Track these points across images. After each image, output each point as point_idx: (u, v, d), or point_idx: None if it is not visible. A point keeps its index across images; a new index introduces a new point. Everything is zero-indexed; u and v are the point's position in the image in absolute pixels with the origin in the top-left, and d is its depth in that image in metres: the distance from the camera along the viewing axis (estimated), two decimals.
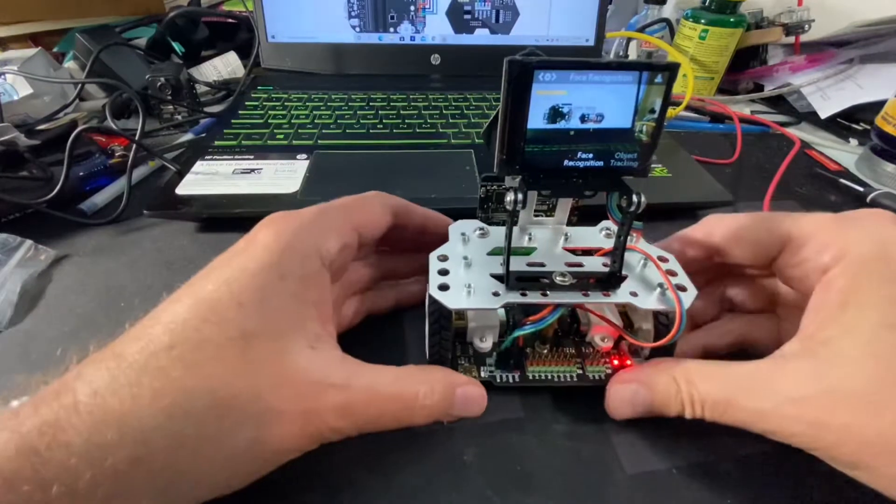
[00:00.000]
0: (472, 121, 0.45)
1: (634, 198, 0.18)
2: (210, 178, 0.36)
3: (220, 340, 0.16)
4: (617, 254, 0.20)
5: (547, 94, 0.17)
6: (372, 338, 0.25)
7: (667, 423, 0.22)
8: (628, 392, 0.20)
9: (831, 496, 0.19)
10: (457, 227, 0.23)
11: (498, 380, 0.22)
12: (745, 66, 0.60)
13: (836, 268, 0.18)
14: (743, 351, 0.24)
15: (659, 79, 0.17)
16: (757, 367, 0.18)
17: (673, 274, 0.21)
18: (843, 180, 0.41)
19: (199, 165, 0.37)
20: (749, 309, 0.25)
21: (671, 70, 0.17)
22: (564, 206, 0.23)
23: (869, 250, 0.18)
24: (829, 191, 0.41)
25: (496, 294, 0.19)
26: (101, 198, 0.36)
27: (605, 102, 0.17)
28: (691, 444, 0.21)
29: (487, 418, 0.22)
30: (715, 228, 0.23)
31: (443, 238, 0.23)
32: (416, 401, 0.18)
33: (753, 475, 0.20)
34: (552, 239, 0.23)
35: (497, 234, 0.23)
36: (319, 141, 0.41)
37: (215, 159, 0.38)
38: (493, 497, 0.19)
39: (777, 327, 0.23)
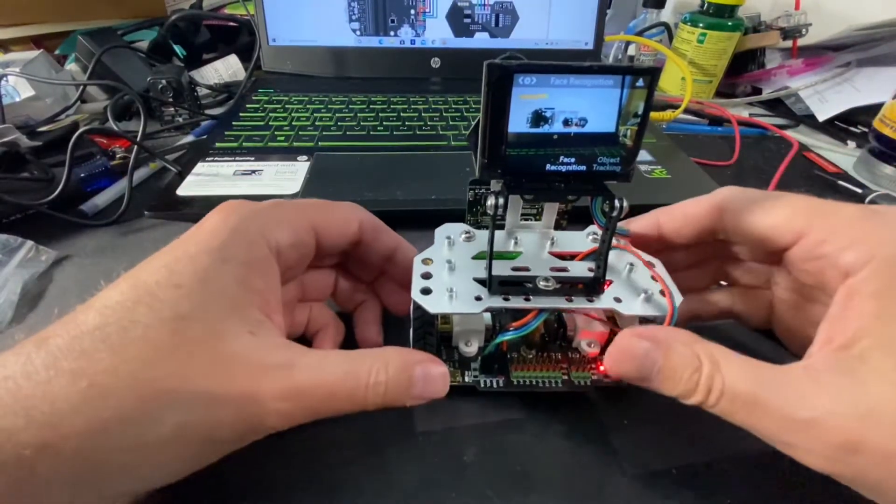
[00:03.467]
0: (472, 123, 0.45)
1: (617, 202, 0.18)
2: (211, 180, 0.36)
3: (151, 321, 0.15)
4: (601, 258, 0.20)
5: (529, 98, 0.17)
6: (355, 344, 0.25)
7: (666, 423, 0.22)
8: (639, 349, 0.17)
9: (831, 496, 0.19)
10: (442, 231, 0.23)
11: (482, 384, 0.22)
12: (743, 69, 0.61)
13: (863, 270, 0.17)
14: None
15: (640, 83, 0.17)
16: (791, 373, 0.16)
17: (659, 279, 0.21)
18: (841, 182, 0.41)
19: (200, 167, 0.37)
20: (743, 284, 0.24)
21: (653, 74, 0.17)
22: (551, 210, 0.23)
23: None
24: (827, 193, 0.41)
25: (479, 299, 0.19)
26: (102, 199, 0.36)
27: (589, 107, 0.17)
28: (691, 444, 0.21)
29: (487, 418, 0.22)
30: (723, 203, 0.21)
31: (408, 275, 0.23)
32: (367, 378, 0.17)
33: (753, 475, 0.20)
34: (538, 243, 0.23)
35: (483, 237, 0.23)
36: (320, 143, 0.41)
37: (216, 161, 0.38)
38: (493, 497, 0.19)
39: (769, 303, 0.23)
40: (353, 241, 0.22)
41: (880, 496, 0.15)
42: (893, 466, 0.14)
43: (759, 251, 0.22)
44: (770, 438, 0.16)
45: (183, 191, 0.35)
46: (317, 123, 0.44)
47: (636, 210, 0.23)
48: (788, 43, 0.58)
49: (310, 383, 0.16)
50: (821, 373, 0.16)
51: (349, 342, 0.25)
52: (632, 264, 0.21)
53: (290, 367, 0.16)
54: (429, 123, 0.45)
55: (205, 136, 0.45)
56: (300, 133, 0.43)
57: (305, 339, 0.24)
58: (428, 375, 0.17)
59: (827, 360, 0.16)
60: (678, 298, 0.20)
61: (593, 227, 0.24)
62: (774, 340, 0.25)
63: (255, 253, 0.18)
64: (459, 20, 0.54)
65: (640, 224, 0.23)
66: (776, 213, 0.19)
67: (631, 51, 0.65)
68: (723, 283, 0.25)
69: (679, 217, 0.22)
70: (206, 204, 0.33)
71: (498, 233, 0.23)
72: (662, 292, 0.20)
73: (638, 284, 0.21)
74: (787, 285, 0.22)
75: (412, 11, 0.53)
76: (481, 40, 0.55)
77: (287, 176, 0.36)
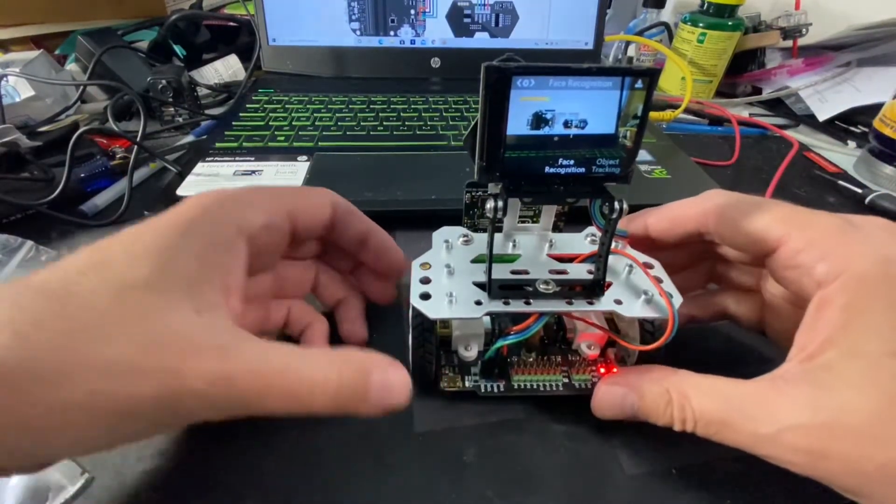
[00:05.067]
0: (472, 123, 0.45)
1: (616, 204, 0.18)
2: (211, 180, 0.36)
3: (96, 286, 0.15)
4: (601, 261, 0.20)
5: (530, 100, 0.17)
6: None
7: None
8: (617, 395, 0.19)
9: (830, 497, 0.19)
10: (440, 235, 0.23)
11: (483, 389, 0.22)
12: (743, 69, 0.61)
13: (835, 283, 0.17)
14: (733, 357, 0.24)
15: (640, 84, 0.17)
16: (756, 388, 0.17)
17: (659, 280, 0.21)
18: (841, 182, 0.41)
19: (200, 167, 0.37)
20: (734, 285, 0.24)
21: (652, 75, 0.17)
22: (549, 212, 0.23)
23: (872, 268, 0.17)
24: (827, 192, 0.41)
25: (479, 303, 0.19)
26: (102, 199, 0.36)
27: (588, 108, 0.17)
28: (691, 444, 0.21)
29: (487, 418, 0.22)
30: (710, 208, 0.21)
31: (382, 260, 0.23)
32: (313, 376, 0.15)
33: (753, 475, 0.20)
34: (537, 245, 0.23)
35: (482, 241, 0.23)
36: (320, 143, 0.41)
37: (216, 161, 0.38)
38: (493, 497, 0.19)
39: (761, 306, 0.23)
40: (327, 224, 0.22)
41: (860, 498, 0.16)
42: (862, 471, 0.15)
43: (746, 255, 0.22)
44: (747, 451, 0.17)
45: (183, 191, 0.35)
46: (317, 123, 0.44)
47: (635, 211, 0.23)
48: (788, 43, 0.58)
49: (243, 370, 0.15)
50: (787, 383, 0.17)
51: (334, 340, 0.25)
52: (631, 265, 0.21)
53: (226, 350, 0.15)
54: (429, 123, 0.45)
55: (205, 136, 0.45)
56: (300, 133, 0.43)
57: (292, 339, 0.24)
58: (386, 381, 0.16)
59: (794, 370, 0.17)
60: (678, 300, 0.20)
61: (592, 229, 0.24)
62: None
63: (222, 232, 0.18)
64: (459, 20, 0.54)
65: (627, 225, 0.23)
66: (758, 220, 0.20)
67: (631, 51, 0.65)
68: (713, 285, 0.26)
69: (666, 219, 0.23)
70: None
71: (496, 235, 0.22)
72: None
73: (638, 286, 0.21)
74: (775, 290, 0.22)
75: (412, 11, 0.53)
76: (481, 40, 0.55)
77: (287, 176, 0.36)
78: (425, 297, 0.20)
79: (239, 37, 0.62)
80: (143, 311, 0.15)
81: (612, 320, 0.24)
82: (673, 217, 0.22)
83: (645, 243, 0.23)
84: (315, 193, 0.22)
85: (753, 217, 0.20)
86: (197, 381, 0.14)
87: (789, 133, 0.51)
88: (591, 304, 0.20)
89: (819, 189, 0.42)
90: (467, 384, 0.22)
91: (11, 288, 0.15)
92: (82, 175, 0.36)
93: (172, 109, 0.47)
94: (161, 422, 0.15)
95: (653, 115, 0.48)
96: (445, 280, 0.20)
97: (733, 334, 0.26)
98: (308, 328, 0.24)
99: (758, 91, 0.60)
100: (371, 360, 0.16)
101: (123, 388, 0.14)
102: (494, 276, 0.20)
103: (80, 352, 0.14)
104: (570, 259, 0.22)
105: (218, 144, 0.41)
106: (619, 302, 0.20)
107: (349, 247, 0.24)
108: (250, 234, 0.19)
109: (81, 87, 0.48)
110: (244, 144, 0.41)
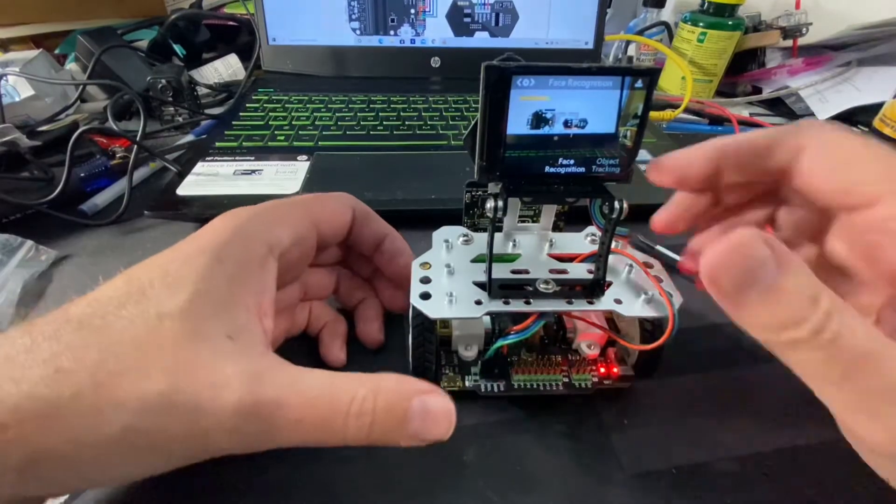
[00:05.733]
0: (472, 122, 0.45)
1: (616, 204, 0.18)
2: (211, 179, 0.36)
3: (134, 317, 0.15)
4: (601, 260, 0.20)
5: (530, 99, 0.17)
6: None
7: (667, 423, 0.22)
8: (760, 252, 0.13)
9: (830, 497, 0.19)
10: (440, 234, 0.23)
11: (483, 389, 0.22)
12: (743, 68, 0.61)
13: None
14: None
15: (639, 84, 0.17)
16: None
17: (659, 280, 0.21)
18: None
19: (199, 166, 0.37)
20: (793, 231, 0.20)
21: (652, 75, 0.17)
22: (549, 211, 0.23)
23: None
24: None
25: (479, 303, 0.19)
26: (102, 198, 0.36)
27: (589, 108, 0.17)
28: (691, 444, 0.21)
29: (487, 418, 0.22)
30: (804, 143, 0.17)
31: (393, 265, 0.23)
32: (349, 406, 0.14)
33: (753, 475, 0.20)
34: (537, 245, 0.23)
35: (482, 240, 0.23)
36: (320, 142, 0.41)
37: (216, 160, 0.38)
38: (493, 497, 0.19)
39: (813, 261, 0.19)
40: (347, 229, 0.23)
41: None
42: None
43: (822, 201, 0.18)
44: (854, 410, 0.13)
45: (183, 190, 0.35)
46: (317, 123, 0.44)
47: (635, 210, 0.23)
48: (789, 42, 0.58)
49: (274, 399, 0.14)
50: None
51: (351, 342, 0.25)
52: (631, 265, 0.21)
53: (258, 377, 0.15)
54: (429, 123, 0.45)
55: (204, 136, 0.45)
56: (300, 133, 0.43)
57: (310, 339, 0.24)
58: (428, 411, 0.15)
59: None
60: (678, 300, 0.20)
61: (592, 228, 0.24)
62: None
63: (252, 252, 0.18)
64: (459, 19, 0.54)
65: (691, 155, 0.19)
66: (855, 169, 0.16)
67: (631, 50, 0.65)
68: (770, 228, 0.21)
69: (750, 148, 0.18)
70: (206, 203, 0.33)
71: (496, 235, 0.23)
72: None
73: (638, 285, 0.21)
74: (840, 248, 0.18)
75: (412, 11, 0.53)
76: (481, 40, 0.55)
77: (287, 176, 0.36)
78: (425, 296, 0.20)
79: (239, 36, 0.62)
80: (177, 341, 0.15)
81: (612, 320, 0.24)
82: (759, 146, 0.18)
83: (703, 179, 0.19)
84: (336, 200, 0.22)
85: (851, 164, 0.17)
86: (225, 415, 0.14)
87: None
88: (591, 303, 0.20)
89: None
90: (467, 384, 0.22)
91: (52, 321, 0.15)
92: (82, 175, 0.36)
93: (172, 109, 0.47)
94: (192, 456, 0.15)
95: (653, 114, 0.48)
96: (445, 280, 0.20)
97: (733, 334, 0.27)
98: (326, 327, 0.24)
99: (758, 91, 0.60)
100: (411, 385, 0.15)
101: (155, 425, 0.14)
102: (494, 275, 0.20)
103: (118, 387, 0.14)
104: (570, 259, 0.22)
105: (218, 144, 0.41)
106: (619, 301, 0.20)
107: (366, 251, 0.24)
108: (281, 251, 0.19)
109: (81, 87, 0.47)
110: (244, 144, 0.41)
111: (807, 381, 0.13)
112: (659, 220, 0.21)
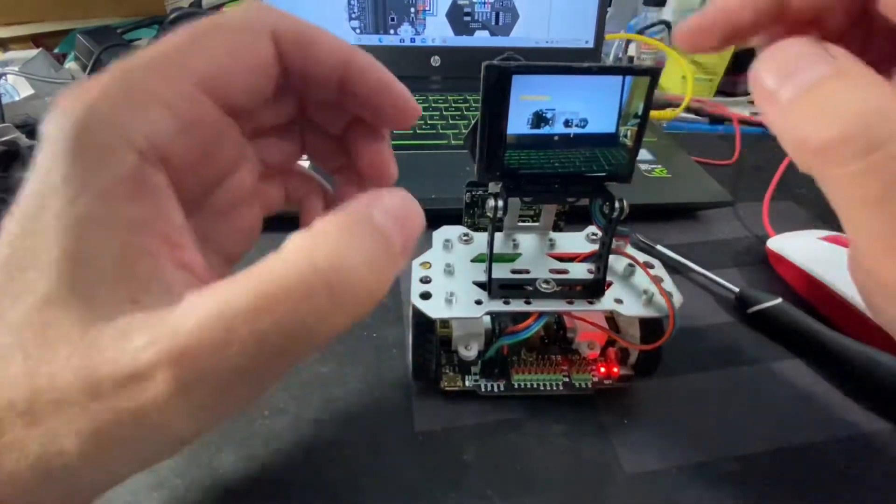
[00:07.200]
0: (472, 122, 0.45)
1: (617, 204, 0.18)
2: None
3: (9, 318, 0.11)
4: (601, 260, 0.20)
5: (530, 98, 0.16)
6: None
7: (667, 423, 0.22)
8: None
9: (830, 497, 0.19)
10: (440, 234, 0.23)
11: (483, 389, 0.22)
12: (744, 67, 0.61)
13: None
14: None
15: (640, 83, 0.17)
16: None
17: (659, 280, 0.21)
18: None
19: None
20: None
21: (652, 74, 0.16)
22: (549, 211, 0.23)
23: None
24: None
25: (479, 302, 0.19)
26: None
27: (589, 107, 0.17)
28: (691, 444, 0.21)
29: (487, 418, 0.22)
30: None
31: (372, 102, 0.16)
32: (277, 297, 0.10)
33: (753, 475, 0.20)
34: (537, 245, 0.23)
35: (482, 240, 0.23)
36: None
37: None
38: (493, 497, 0.19)
39: None
40: (275, 71, 0.15)
41: None
42: None
43: None
44: (888, 236, 0.11)
45: None
46: None
47: (636, 210, 0.23)
48: None
49: (194, 332, 0.10)
50: None
51: (346, 340, 0.24)
52: (631, 265, 0.21)
53: (175, 331, 0.10)
54: (429, 122, 0.45)
55: None
56: None
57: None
58: (392, 211, 0.12)
59: None
60: (678, 299, 0.20)
61: (592, 228, 0.24)
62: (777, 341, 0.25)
63: (115, 169, 0.11)
64: (459, 18, 0.54)
65: None
66: None
67: (631, 49, 0.65)
68: None
69: None
70: None
71: (496, 235, 0.23)
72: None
73: (638, 285, 0.21)
74: None
75: (412, 9, 0.53)
76: (481, 39, 0.55)
77: None
78: (425, 296, 0.19)
79: None
80: (67, 337, 0.11)
81: (612, 319, 0.24)
82: None
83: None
84: (236, 30, 0.14)
85: None
86: (162, 384, 0.10)
87: None
88: (591, 303, 0.20)
89: (820, 188, 0.42)
90: (467, 384, 0.22)
91: None
92: None
93: None
94: (158, 458, 0.12)
95: (653, 113, 0.48)
96: (445, 279, 0.20)
97: (733, 334, 0.27)
98: (304, 200, 0.19)
99: None
100: (359, 205, 0.12)
101: (53, 446, 0.10)
102: (494, 275, 0.20)
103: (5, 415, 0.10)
104: (570, 258, 0.22)
105: None
106: (619, 301, 0.20)
107: (324, 92, 0.16)
108: (159, 150, 0.12)
109: None
110: None
111: (838, 201, 0.12)
112: (686, 27, 0.15)
